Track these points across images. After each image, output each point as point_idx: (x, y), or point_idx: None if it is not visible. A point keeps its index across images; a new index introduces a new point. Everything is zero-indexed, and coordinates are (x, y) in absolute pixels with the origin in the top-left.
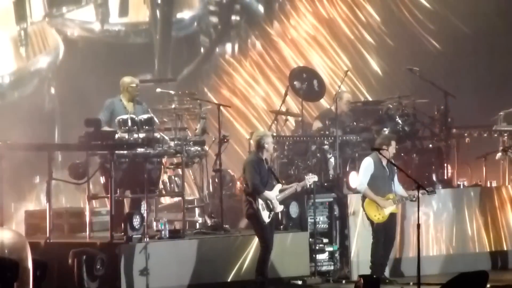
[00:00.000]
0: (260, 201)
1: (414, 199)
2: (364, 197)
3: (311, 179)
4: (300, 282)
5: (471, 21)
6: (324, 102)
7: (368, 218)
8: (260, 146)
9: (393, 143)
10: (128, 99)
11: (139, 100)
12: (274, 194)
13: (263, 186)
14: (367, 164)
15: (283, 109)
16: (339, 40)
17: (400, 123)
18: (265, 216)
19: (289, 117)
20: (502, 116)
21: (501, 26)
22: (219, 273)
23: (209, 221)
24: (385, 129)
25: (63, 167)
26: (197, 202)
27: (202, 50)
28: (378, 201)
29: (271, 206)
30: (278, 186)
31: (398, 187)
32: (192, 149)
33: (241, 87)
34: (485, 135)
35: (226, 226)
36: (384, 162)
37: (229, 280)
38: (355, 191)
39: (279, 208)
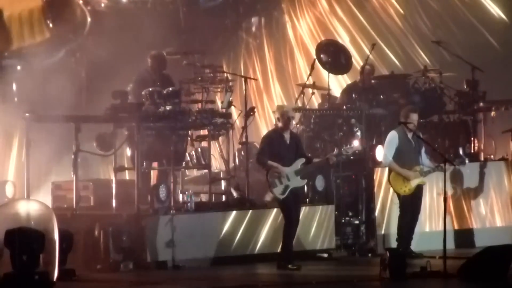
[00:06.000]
0: (270, 177)
1: (441, 169)
2: (390, 171)
3: (350, 149)
4: (326, 255)
5: None
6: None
7: (395, 191)
8: (278, 120)
9: (413, 115)
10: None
11: (166, 73)
12: (291, 169)
13: (279, 161)
14: (391, 138)
15: (310, 82)
16: (366, 12)
17: (427, 96)
18: (277, 191)
19: (315, 91)
20: None
21: None
22: (244, 246)
23: (235, 194)
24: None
25: (90, 138)
26: (223, 175)
27: (228, 22)
28: (403, 173)
29: (286, 181)
30: (301, 161)
31: (425, 159)
32: (219, 121)
33: (267, 60)
34: None
35: (252, 199)
36: (410, 135)
37: (254, 252)
38: (381, 165)
39: (297, 182)
